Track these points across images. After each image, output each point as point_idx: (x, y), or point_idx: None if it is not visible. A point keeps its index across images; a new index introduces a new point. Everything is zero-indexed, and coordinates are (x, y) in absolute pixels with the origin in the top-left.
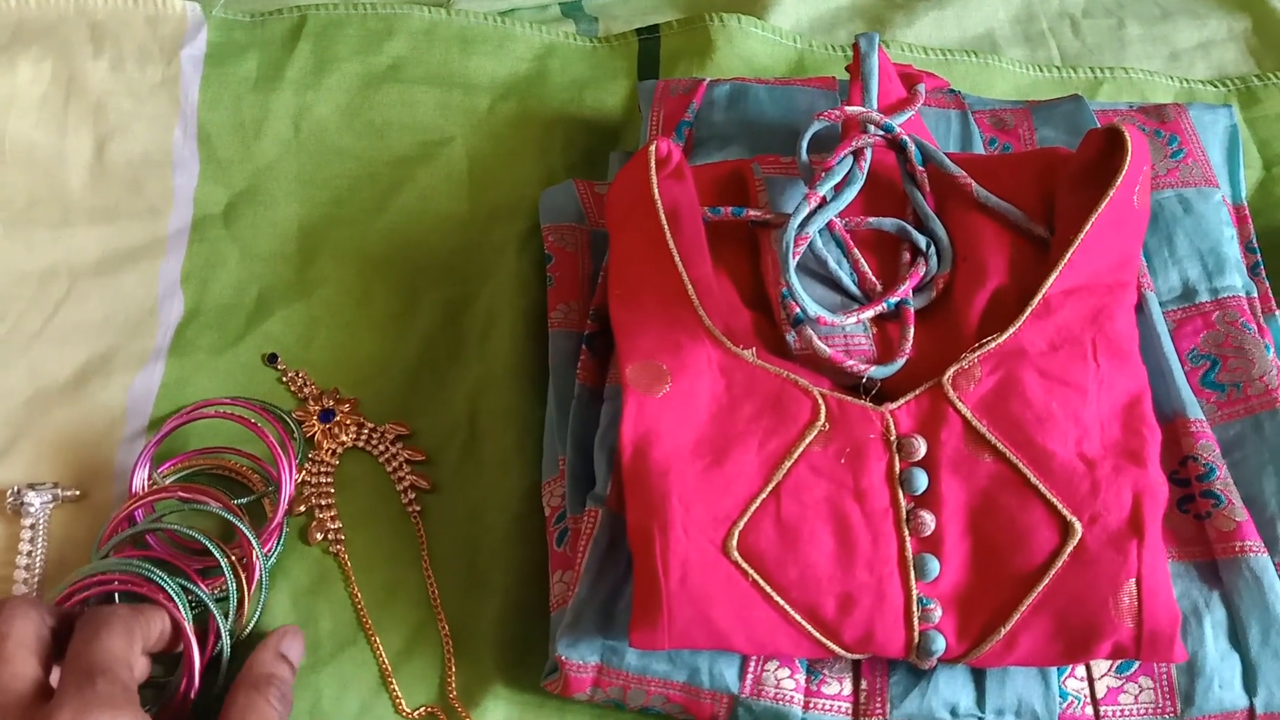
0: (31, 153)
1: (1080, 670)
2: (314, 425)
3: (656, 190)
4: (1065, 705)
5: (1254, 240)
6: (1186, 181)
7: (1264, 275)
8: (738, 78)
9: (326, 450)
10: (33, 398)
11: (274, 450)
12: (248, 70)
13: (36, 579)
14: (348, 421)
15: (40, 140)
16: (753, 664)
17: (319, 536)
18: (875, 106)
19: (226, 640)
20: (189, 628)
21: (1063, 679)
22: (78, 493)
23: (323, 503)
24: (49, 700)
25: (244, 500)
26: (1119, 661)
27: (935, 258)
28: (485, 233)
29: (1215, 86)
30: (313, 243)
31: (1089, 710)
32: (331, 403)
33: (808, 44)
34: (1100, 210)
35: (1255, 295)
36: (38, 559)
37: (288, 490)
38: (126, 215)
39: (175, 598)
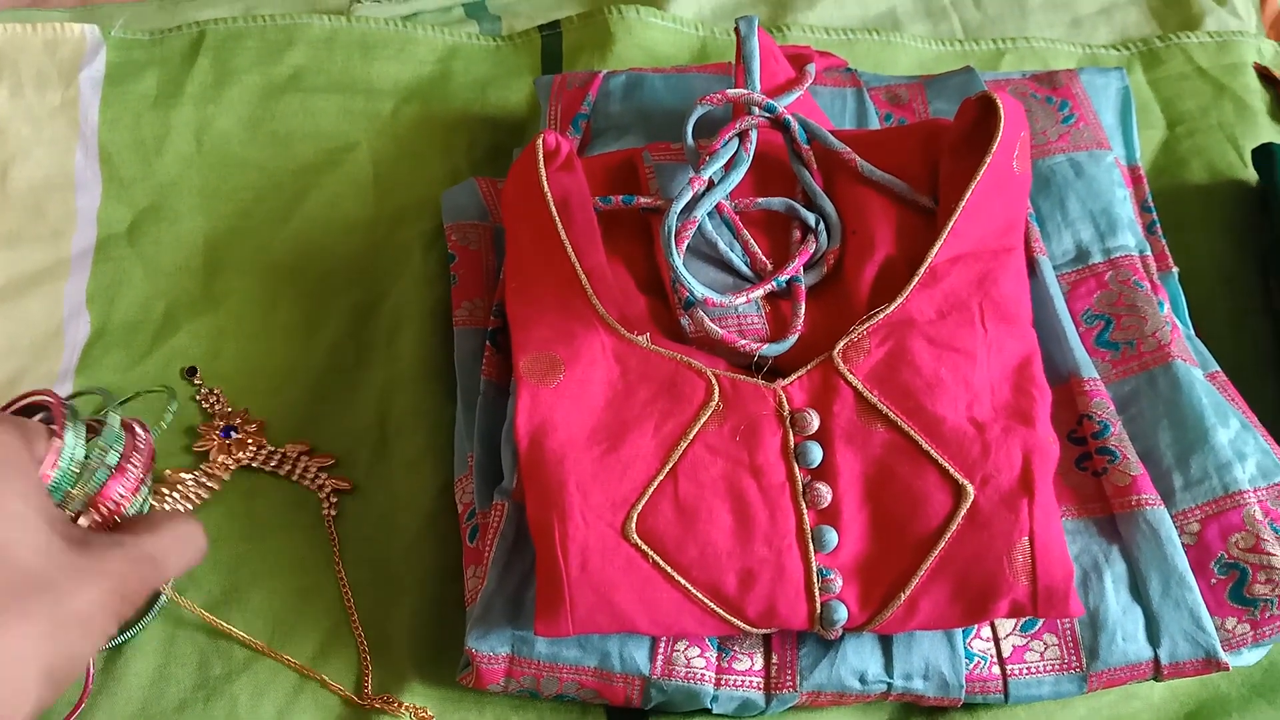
0: None
1: (985, 631)
2: (213, 440)
3: (545, 182)
4: (972, 665)
5: (1149, 200)
6: (1078, 145)
7: (1160, 234)
8: (634, 68)
9: (219, 464)
10: None
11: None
12: (147, 88)
13: None
14: (248, 441)
15: None
16: (663, 645)
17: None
18: (758, 88)
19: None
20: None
21: (968, 640)
22: None
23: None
24: None
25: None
26: (1023, 620)
27: (825, 234)
28: (391, 235)
29: (1117, 50)
30: (218, 255)
31: (995, 670)
32: (238, 421)
33: (709, 31)
34: (978, 177)
35: (1150, 254)
36: None
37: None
38: (29, 240)
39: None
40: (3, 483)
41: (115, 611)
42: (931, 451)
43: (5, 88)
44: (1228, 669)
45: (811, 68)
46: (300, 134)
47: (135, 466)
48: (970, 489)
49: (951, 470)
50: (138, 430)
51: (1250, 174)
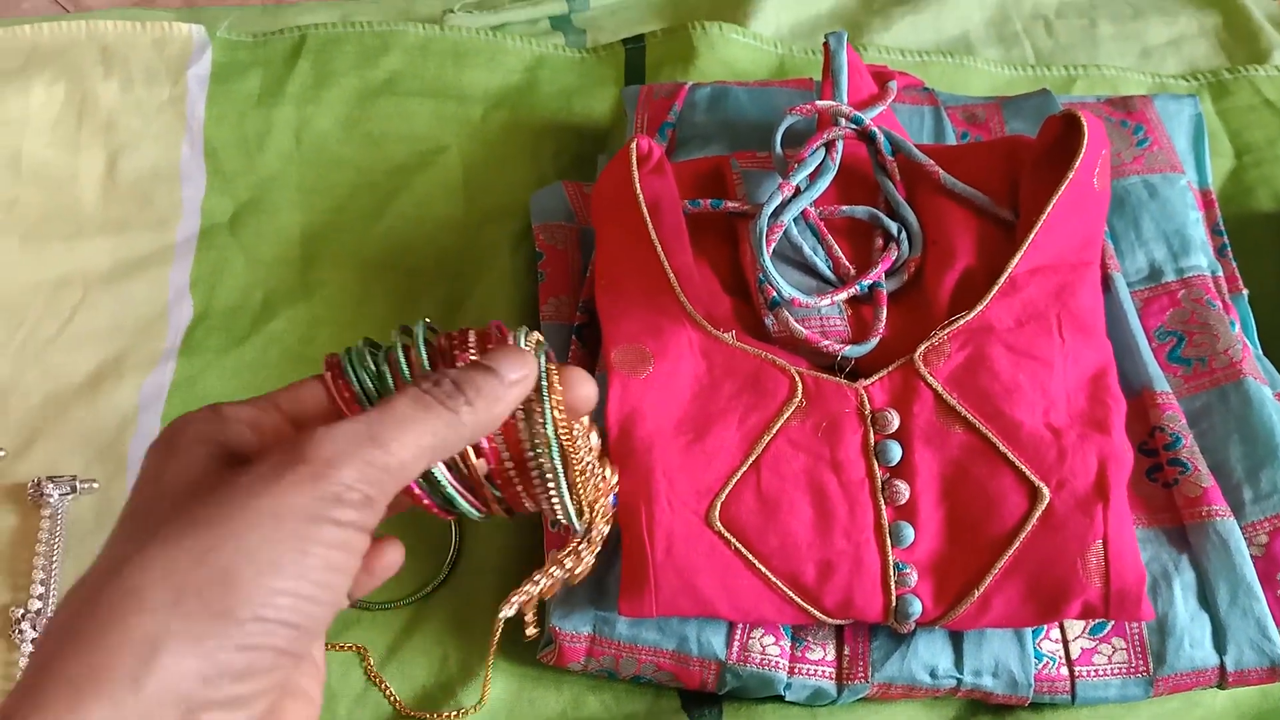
0: (46, 170)
1: (1055, 632)
2: None
3: (638, 184)
4: (1041, 666)
5: (1220, 223)
6: (1152, 168)
7: (1230, 256)
8: (718, 81)
9: None
10: (49, 398)
11: None
12: (251, 87)
13: (55, 566)
14: None
15: (54, 159)
16: (739, 631)
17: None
18: (845, 100)
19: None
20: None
21: (1038, 641)
22: (96, 484)
23: None
24: None
25: None
26: (1092, 623)
27: (906, 242)
28: (479, 234)
29: (1186, 80)
30: (314, 248)
31: (1064, 670)
32: None
33: (788, 49)
34: (1060, 192)
35: (1221, 275)
36: (56, 547)
37: None
38: (136, 226)
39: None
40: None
41: None
42: (1009, 454)
43: (116, 81)
44: None
45: (894, 84)
46: (394, 135)
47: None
48: (1046, 492)
49: (1028, 473)
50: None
51: None
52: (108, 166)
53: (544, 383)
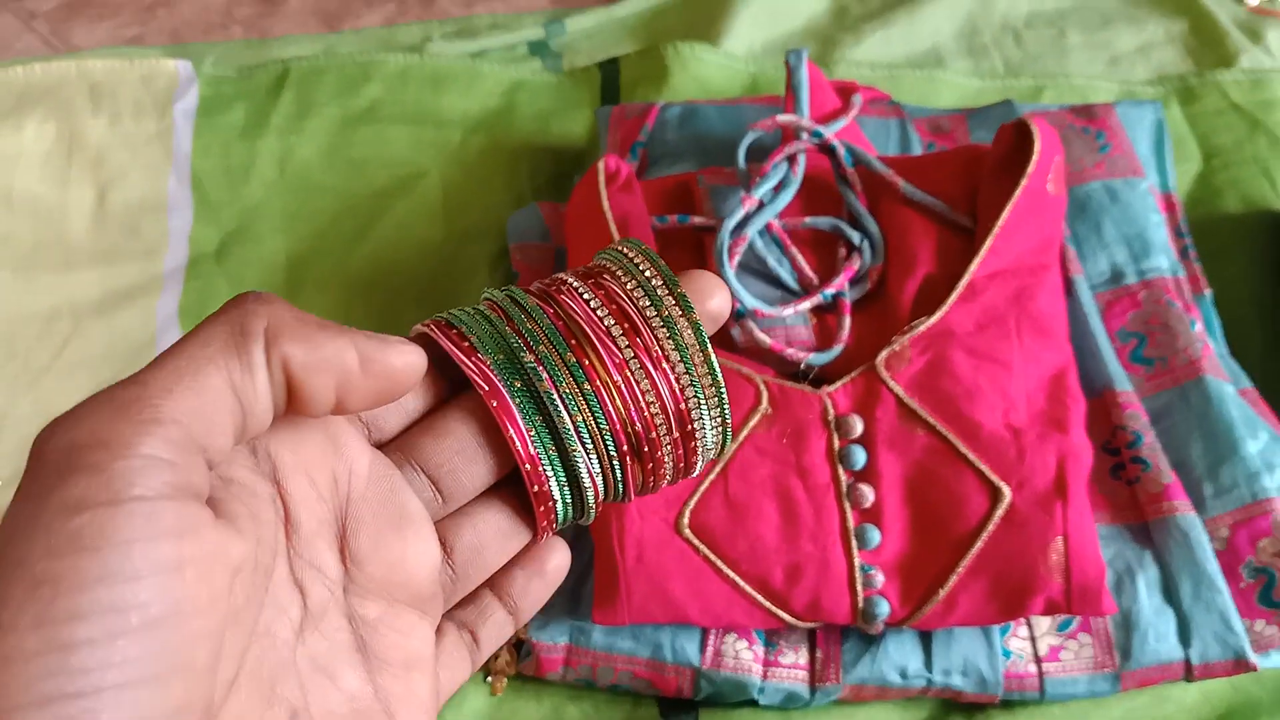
0: (37, 204)
1: (1023, 630)
2: None
3: (606, 202)
4: (1009, 663)
5: (1183, 225)
6: (1113, 173)
7: (1194, 258)
8: (689, 99)
9: None
10: (40, 428)
11: None
12: (235, 119)
13: None
14: None
15: (45, 193)
16: (712, 637)
17: None
18: (806, 115)
19: None
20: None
21: (1005, 639)
22: None
23: None
24: None
25: None
26: (1060, 620)
27: (869, 252)
28: (458, 255)
29: (1155, 86)
30: (299, 273)
31: (1032, 668)
32: None
33: (760, 66)
34: (1015, 198)
35: (1183, 276)
36: None
37: None
38: (125, 257)
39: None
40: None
41: None
42: (969, 455)
43: (105, 117)
44: (1256, 670)
45: (858, 98)
46: (375, 161)
47: None
48: (1007, 491)
49: (988, 473)
50: None
51: None
52: (97, 199)
53: (678, 300)
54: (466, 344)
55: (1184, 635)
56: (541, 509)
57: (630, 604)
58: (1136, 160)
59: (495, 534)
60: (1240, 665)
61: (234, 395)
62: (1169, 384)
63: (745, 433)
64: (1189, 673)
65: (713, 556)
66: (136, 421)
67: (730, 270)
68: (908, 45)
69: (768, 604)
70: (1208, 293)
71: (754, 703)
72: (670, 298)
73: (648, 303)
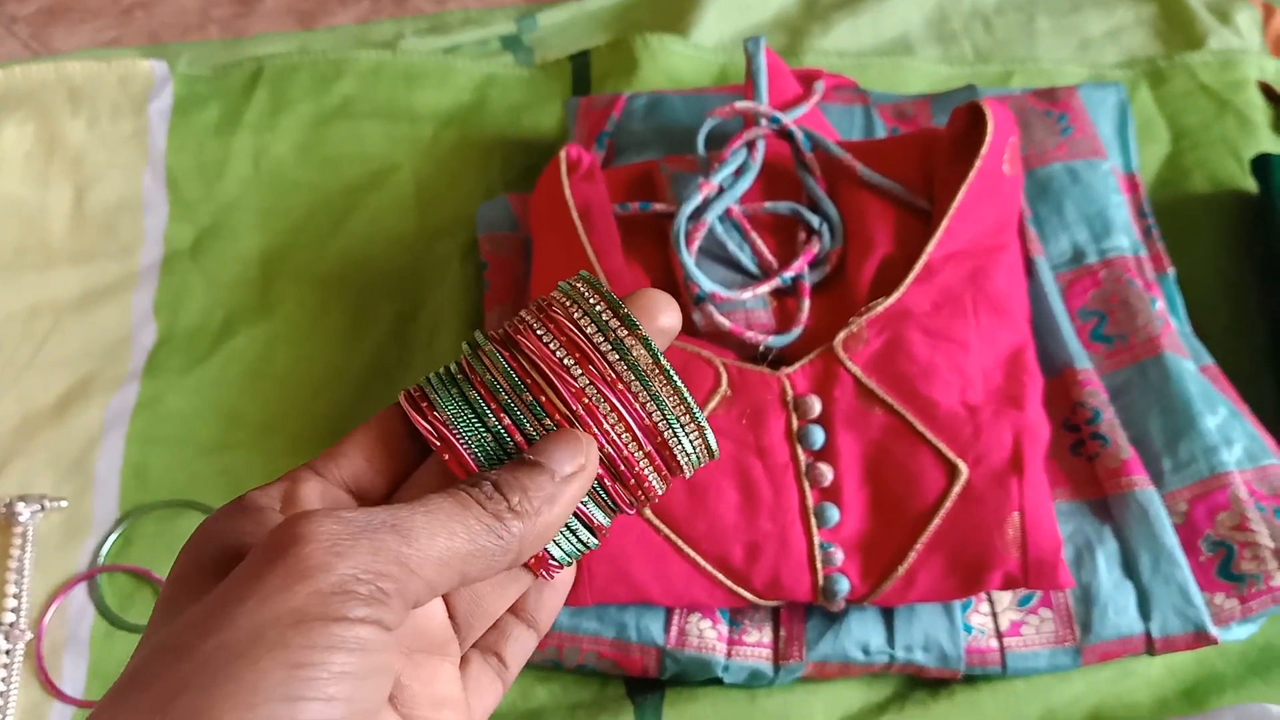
0: (18, 207)
1: (985, 606)
2: None
3: (568, 191)
4: (970, 638)
5: (1145, 205)
6: (1075, 154)
7: (1157, 238)
8: (656, 90)
9: None
10: (22, 423)
11: None
12: (210, 118)
13: (26, 581)
14: None
15: (25, 195)
16: (677, 617)
17: None
18: (765, 102)
19: None
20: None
21: (967, 614)
22: (65, 503)
23: None
24: None
25: None
26: (1020, 595)
27: (828, 235)
28: (430, 248)
29: (1124, 70)
30: (273, 268)
31: (994, 643)
32: None
33: (729, 57)
34: (970, 180)
35: (1144, 255)
36: (26, 562)
37: None
38: (103, 256)
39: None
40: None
41: None
42: (926, 433)
43: (84, 119)
44: (1217, 642)
45: (820, 84)
46: (348, 157)
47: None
48: (963, 467)
49: (945, 450)
50: None
51: (1251, 184)
52: (75, 200)
53: (624, 320)
54: (426, 403)
55: (1144, 609)
56: (533, 560)
57: (593, 584)
58: (1099, 141)
59: (490, 585)
60: (1201, 638)
61: None
62: (1128, 361)
63: (705, 414)
64: (1150, 646)
65: (673, 536)
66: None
67: (688, 255)
68: (876, 34)
69: (728, 582)
70: (1170, 271)
71: (719, 681)
72: (615, 319)
73: (594, 329)
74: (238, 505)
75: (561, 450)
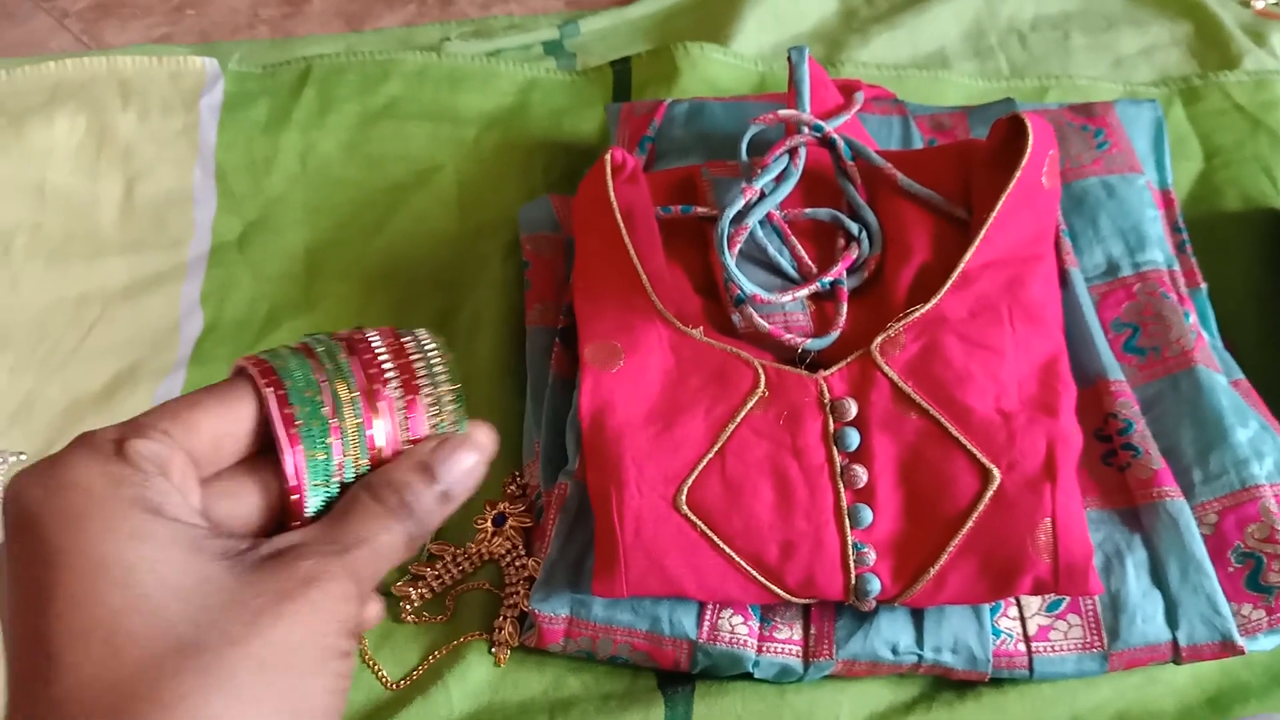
0: (69, 196)
1: (1013, 610)
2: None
3: (613, 193)
4: (999, 642)
5: (1179, 221)
6: (1111, 169)
7: (1190, 253)
8: (696, 97)
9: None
10: (70, 407)
11: None
12: (259, 115)
13: None
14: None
15: (76, 185)
16: (709, 612)
17: None
18: (807, 109)
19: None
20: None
21: (996, 618)
22: None
23: None
24: None
25: None
26: (1049, 600)
27: (867, 242)
28: (472, 248)
29: (1157, 87)
30: (317, 263)
31: (1022, 646)
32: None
33: (769, 66)
34: (1009, 190)
35: (1178, 269)
36: None
37: None
38: (152, 246)
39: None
40: (97, 536)
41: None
42: (961, 438)
43: (134, 112)
44: (1244, 653)
45: (860, 95)
46: (393, 156)
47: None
48: (996, 473)
49: (979, 455)
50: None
51: None
52: (125, 191)
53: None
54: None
55: (1171, 618)
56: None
57: (629, 577)
58: (1134, 157)
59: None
60: (1227, 648)
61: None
62: (1161, 373)
63: (743, 414)
64: (1177, 654)
65: (709, 532)
66: None
67: (730, 257)
68: (914, 47)
69: (762, 579)
70: (1203, 286)
71: (749, 676)
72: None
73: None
74: (122, 456)
75: (451, 455)
